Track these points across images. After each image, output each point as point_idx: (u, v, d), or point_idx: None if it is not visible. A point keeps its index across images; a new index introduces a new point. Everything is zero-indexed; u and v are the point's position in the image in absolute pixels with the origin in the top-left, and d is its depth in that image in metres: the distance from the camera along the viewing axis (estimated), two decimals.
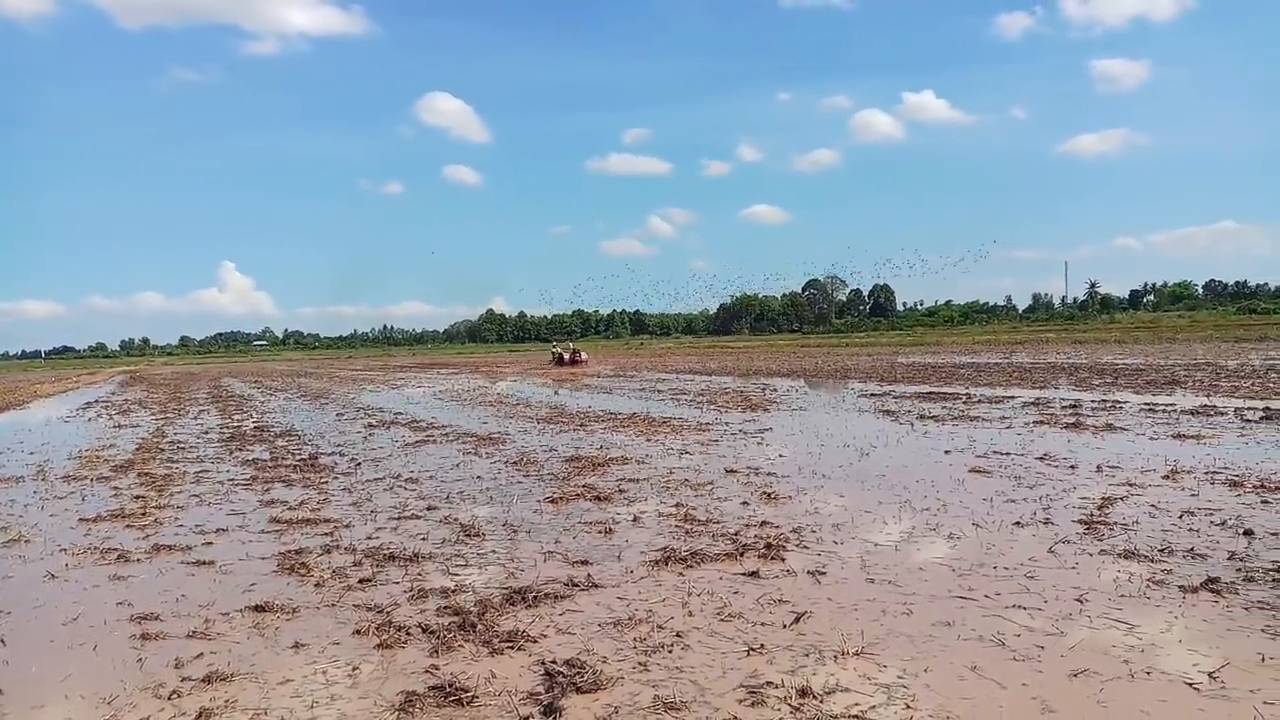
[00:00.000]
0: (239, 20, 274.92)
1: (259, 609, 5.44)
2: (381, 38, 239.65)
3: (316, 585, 5.93)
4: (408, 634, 4.85)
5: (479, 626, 4.87)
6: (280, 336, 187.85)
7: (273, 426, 18.34)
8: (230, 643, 4.90)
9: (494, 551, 6.64)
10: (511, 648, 4.56)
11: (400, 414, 20.31)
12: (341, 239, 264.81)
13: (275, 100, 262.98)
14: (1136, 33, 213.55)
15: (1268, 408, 14.12)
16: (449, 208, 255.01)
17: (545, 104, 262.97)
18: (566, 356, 46.07)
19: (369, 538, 7.27)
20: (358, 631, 4.95)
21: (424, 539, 7.14)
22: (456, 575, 6.01)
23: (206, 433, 17.44)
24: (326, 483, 10.24)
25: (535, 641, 4.65)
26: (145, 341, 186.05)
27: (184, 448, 14.64)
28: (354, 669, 4.42)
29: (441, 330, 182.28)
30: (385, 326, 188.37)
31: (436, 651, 4.57)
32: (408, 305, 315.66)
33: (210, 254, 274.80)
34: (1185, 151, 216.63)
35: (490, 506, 8.38)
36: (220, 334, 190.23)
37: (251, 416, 21.42)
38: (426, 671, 4.31)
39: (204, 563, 6.71)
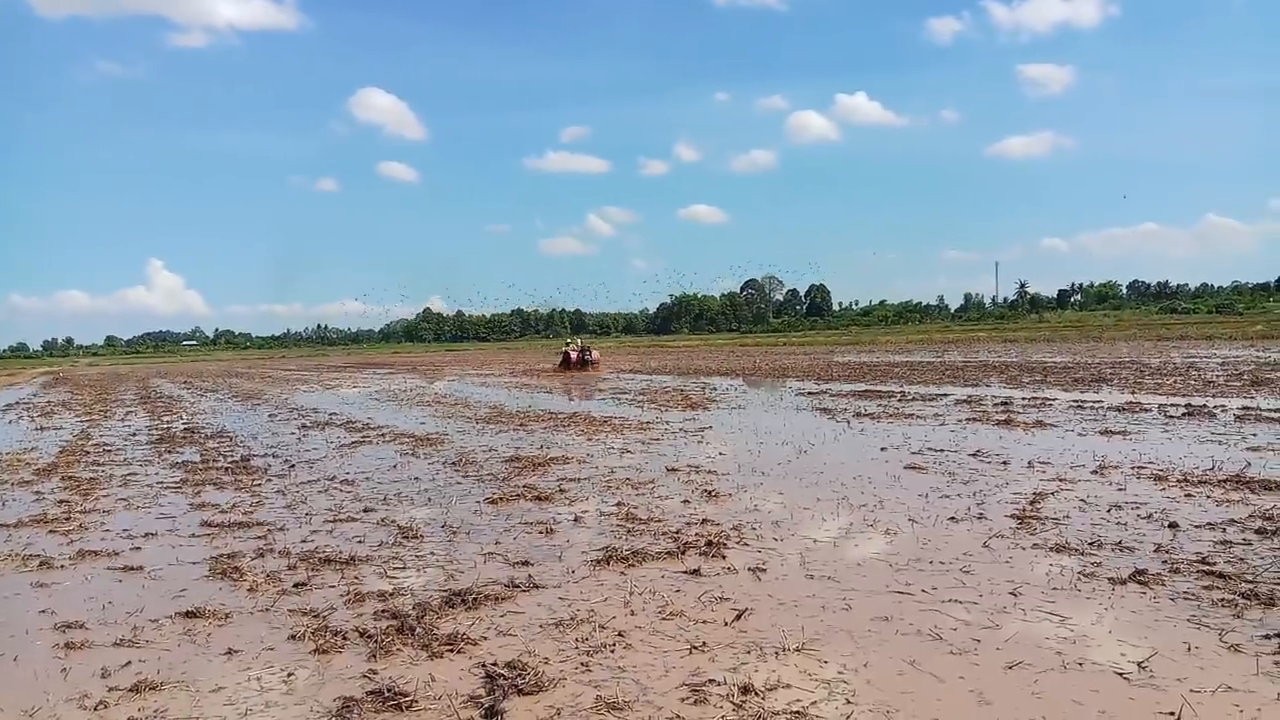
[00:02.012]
0: (165, 12, 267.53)
1: (190, 615, 5.29)
2: (314, 32, 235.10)
3: (250, 590, 5.80)
4: (345, 638, 4.76)
5: (418, 630, 4.80)
6: (211, 336, 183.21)
7: (204, 428, 17.91)
8: (160, 650, 4.76)
9: (433, 553, 6.56)
10: (451, 650, 4.50)
11: (335, 414, 19.99)
12: (274, 236, 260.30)
13: (204, 94, 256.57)
14: (1062, 38, 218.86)
15: (1189, 404, 14.59)
16: (384, 205, 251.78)
17: (482, 101, 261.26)
18: (574, 356, 38.04)
19: (304, 541, 7.13)
20: (293, 637, 4.84)
21: (361, 541, 7.03)
22: (394, 578, 5.92)
23: (134, 435, 16.96)
24: (259, 485, 10.03)
25: (475, 644, 4.59)
26: (69, 341, 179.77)
27: (111, 450, 14.21)
28: (289, 675, 4.32)
29: (378, 330, 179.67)
30: (320, 326, 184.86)
31: (374, 656, 4.49)
32: (343, 304, 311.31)
33: (137, 251, 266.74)
34: (1109, 155, 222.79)
35: (429, 508, 8.28)
36: (149, 333, 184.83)
37: (181, 418, 20.89)
38: (364, 676, 4.24)
39: (132, 568, 6.52)
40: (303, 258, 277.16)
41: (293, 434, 15.89)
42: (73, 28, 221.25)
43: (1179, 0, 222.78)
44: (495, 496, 8.58)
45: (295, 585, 5.84)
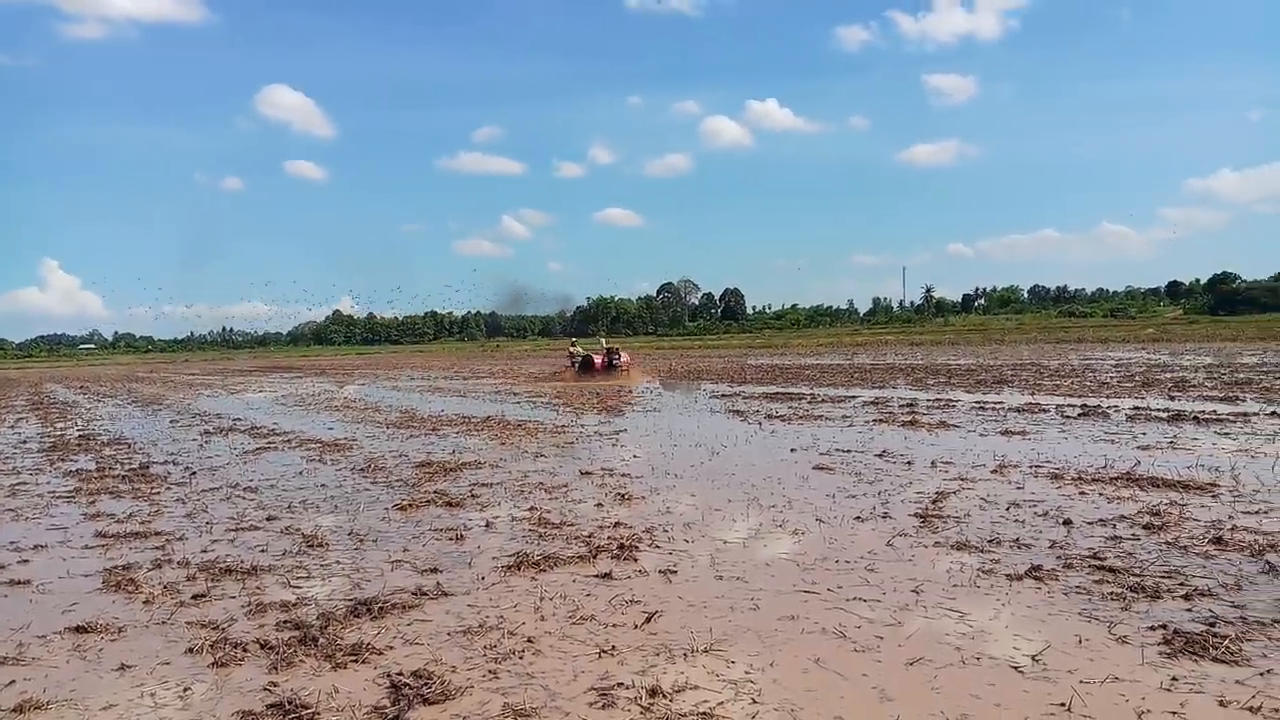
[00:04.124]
0: (56, 1, 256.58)
1: (80, 630, 5.08)
2: (218, 26, 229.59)
3: (146, 602, 5.59)
4: (245, 650, 4.62)
5: (321, 640, 4.69)
6: (110, 339, 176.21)
7: (100, 435, 17.24)
8: (47, 668, 4.55)
9: (338, 562, 6.42)
10: (356, 661, 4.41)
11: (240, 420, 19.44)
12: (177, 236, 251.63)
13: (100, 88, 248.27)
14: (965, 49, 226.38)
15: (1085, 404, 15.17)
16: (293, 204, 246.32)
17: (392, 100, 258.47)
18: (598, 360, 30.99)
19: (204, 551, 6.91)
20: (190, 650, 4.68)
21: (263, 551, 6.84)
22: (298, 588, 5.78)
23: (25, 442, 16.23)
24: (158, 493, 9.69)
25: (381, 653, 4.51)
26: None
27: None
28: (185, 690, 4.17)
29: (286, 332, 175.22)
30: (225, 328, 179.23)
31: (276, 668, 4.37)
32: (249, 305, 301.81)
33: (29, 251, 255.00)
34: (1010, 163, 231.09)
35: (335, 515, 8.11)
36: (42, 336, 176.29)
37: (76, 424, 20.08)
38: (264, 689, 4.12)
39: (19, 582, 6.23)
40: (208, 258, 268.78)
41: (194, 440, 15.40)
42: None
43: (1074, 15, 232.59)
44: (404, 503, 8.45)
45: (194, 597, 5.65)
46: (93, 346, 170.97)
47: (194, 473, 11.20)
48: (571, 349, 34.71)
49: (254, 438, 15.32)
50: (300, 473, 10.87)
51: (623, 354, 31.46)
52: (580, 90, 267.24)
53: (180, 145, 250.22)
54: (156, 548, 7.09)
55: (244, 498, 9.21)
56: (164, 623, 5.18)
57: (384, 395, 27.33)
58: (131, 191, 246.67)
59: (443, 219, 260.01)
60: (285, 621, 5.06)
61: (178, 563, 6.55)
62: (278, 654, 4.52)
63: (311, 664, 4.41)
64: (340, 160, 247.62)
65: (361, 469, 10.86)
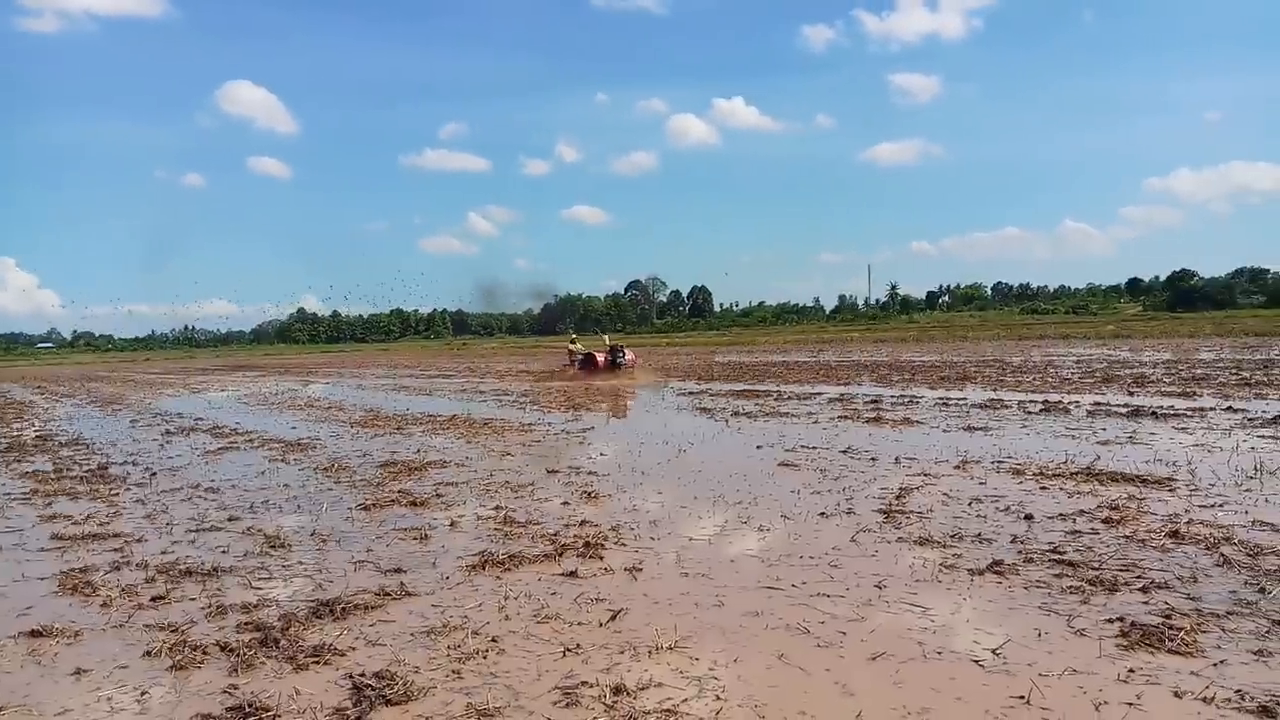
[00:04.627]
0: None
1: (35, 634, 4.99)
2: (179, 20, 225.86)
3: (103, 605, 5.50)
4: (204, 653, 4.56)
5: (282, 642, 4.64)
6: (69, 338, 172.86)
7: (57, 435, 16.96)
8: (0, 673, 4.47)
9: (301, 563, 6.36)
10: (317, 662, 4.37)
11: (201, 419, 19.20)
12: (138, 233, 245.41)
13: (57, 83, 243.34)
14: (929, 49, 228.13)
15: (1046, 400, 15.35)
16: (255, 201, 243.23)
17: (356, 96, 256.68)
18: (602, 357, 28.83)
19: (164, 552, 6.82)
20: (148, 653, 4.62)
21: (225, 552, 6.76)
22: (259, 589, 5.71)
23: None
24: (117, 494, 9.54)
25: (343, 655, 4.47)
26: None
27: None
28: (143, 693, 4.11)
29: (249, 331, 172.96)
30: (187, 327, 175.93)
31: (236, 670, 4.32)
32: (211, 304, 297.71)
33: None
34: (973, 161, 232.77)
35: (298, 515, 8.03)
36: None
37: (34, 424, 19.73)
38: (224, 692, 4.07)
39: None
40: (169, 256, 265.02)
41: (155, 440, 15.18)
42: None
43: (1036, 15, 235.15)
44: (368, 503, 8.38)
45: (153, 599, 5.57)
46: (51, 345, 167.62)
47: (154, 473, 11.04)
48: (571, 346, 32.81)
49: (216, 437, 15.13)
50: (263, 473, 10.75)
51: (627, 352, 29.14)
52: (546, 87, 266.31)
53: (140, 141, 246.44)
54: (115, 549, 6.98)
55: (205, 498, 9.09)
56: (122, 625, 5.11)
57: (348, 394, 27.11)
58: (90, 188, 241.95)
59: (408, 216, 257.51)
60: (246, 623, 5.00)
61: (136, 564, 6.45)
62: (238, 656, 4.47)
63: (273, 666, 4.36)
64: (304, 157, 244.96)
65: (325, 468, 10.77)
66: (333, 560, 6.38)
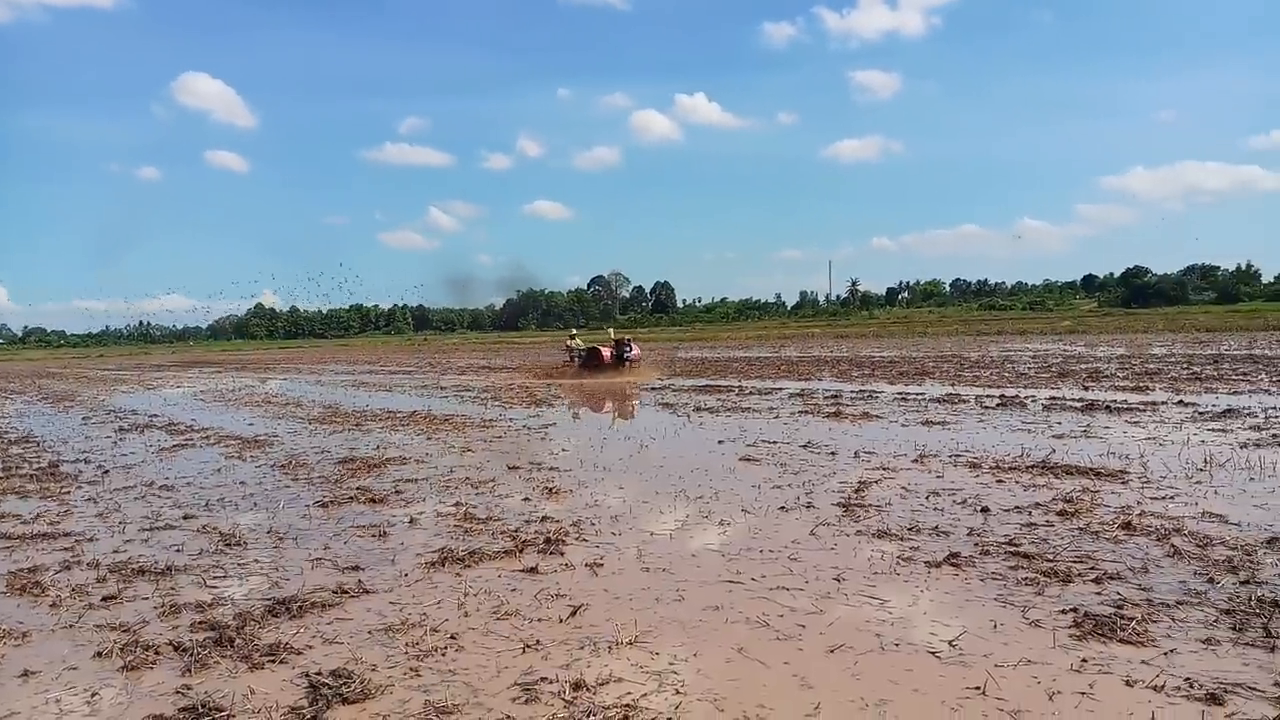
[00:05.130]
0: None
1: None
2: (132, 11, 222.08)
3: (52, 605, 5.39)
4: (157, 653, 4.49)
5: (237, 641, 4.57)
6: (19, 334, 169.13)
7: (7, 432, 16.61)
8: None
9: (257, 561, 6.27)
10: (273, 661, 4.31)
11: (156, 416, 18.90)
12: (91, 227, 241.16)
13: (8, 75, 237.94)
14: (889, 46, 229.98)
15: (1003, 395, 15.55)
16: (213, 195, 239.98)
17: (316, 89, 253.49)
18: (607, 352, 26.72)
19: (116, 551, 6.70)
20: (99, 654, 4.53)
21: (179, 550, 6.65)
22: (214, 588, 5.63)
23: None
24: (69, 493, 9.36)
25: (299, 653, 4.41)
26: None
27: None
28: (93, 695, 4.04)
29: (206, 326, 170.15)
30: (142, 323, 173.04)
31: (189, 670, 4.25)
32: (167, 299, 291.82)
33: None
34: (933, 159, 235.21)
35: (254, 513, 7.92)
36: None
37: None
38: (177, 692, 4.00)
39: None
40: (123, 251, 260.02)
41: (108, 438, 14.91)
42: None
43: (995, 13, 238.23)
44: (326, 500, 8.29)
45: (104, 599, 5.47)
46: (1, 342, 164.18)
47: (107, 471, 10.84)
48: (569, 342, 30.91)
49: (171, 434, 14.90)
50: (219, 470, 10.60)
51: (633, 347, 27.01)
52: (508, 81, 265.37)
53: (94, 134, 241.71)
54: (65, 549, 6.85)
55: (159, 496, 8.94)
56: (71, 626, 5.01)
57: (307, 390, 26.82)
58: (42, 183, 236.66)
59: (369, 211, 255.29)
60: (200, 622, 4.93)
61: (88, 564, 6.33)
62: (192, 656, 4.40)
63: (227, 665, 4.29)
64: (262, 150, 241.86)
65: (282, 465, 10.63)
66: (289, 558, 6.30)
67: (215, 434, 14.65)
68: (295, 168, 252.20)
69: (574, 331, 34.39)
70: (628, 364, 26.28)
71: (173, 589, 5.63)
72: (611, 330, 31.96)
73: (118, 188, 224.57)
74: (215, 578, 5.87)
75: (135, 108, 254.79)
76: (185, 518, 7.81)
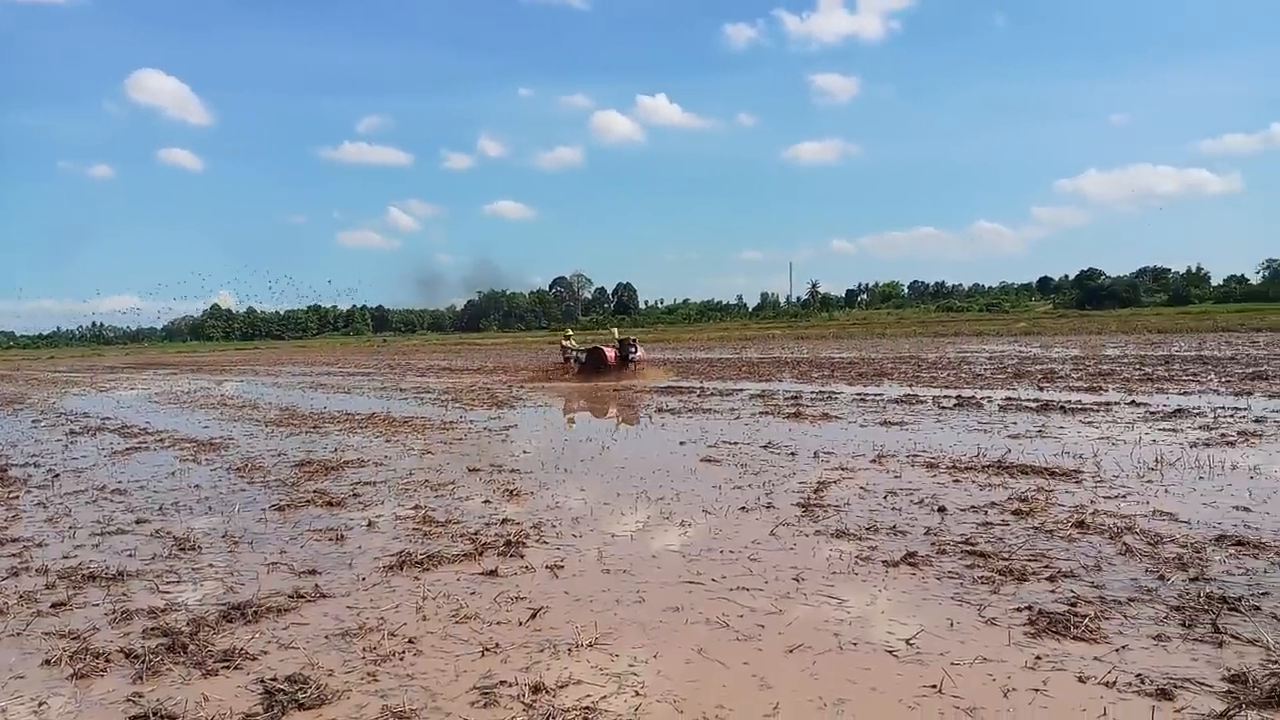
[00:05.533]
0: None
1: None
2: (84, 6, 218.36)
3: None
4: (108, 660, 4.40)
5: (191, 647, 4.49)
6: None
7: None
8: None
9: (211, 565, 6.17)
10: (227, 667, 4.24)
11: (109, 419, 18.55)
12: (40, 226, 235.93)
13: None
14: (848, 50, 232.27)
15: (960, 395, 15.74)
16: (167, 194, 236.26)
17: (273, 87, 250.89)
18: (610, 354, 25.07)
19: (66, 557, 6.56)
20: (48, 662, 4.43)
21: (131, 555, 6.53)
22: (167, 593, 5.53)
23: None
24: (17, 497, 9.15)
25: (255, 659, 4.35)
26: None
27: None
28: (41, 704, 3.94)
29: (160, 328, 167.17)
30: (95, 324, 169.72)
31: (141, 677, 4.17)
32: (120, 299, 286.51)
33: None
34: (891, 161, 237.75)
35: (209, 517, 7.79)
36: None
37: None
38: (128, 700, 3.93)
39: None
40: (75, 250, 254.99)
41: (59, 441, 14.60)
42: None
43: (953, 18, 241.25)
44: (283, 503, 8.18)
45: (53, 605, 5.35)
46: None
47: (57, 475, 10.62)
48: (565, 342, 28.63)
49: (124, 437, 14.63)
50: (173, 473, 10.42)
51: (638, 348, 25.36)
52: (468, 80, 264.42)
53: (44, 132, 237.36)
54: (13, 555, 6.69)
55: (111, 500, 8.77)
56: (19, 634, 4.89)
57: (264, 392, 26.48)
58: None
59: (327, 210, 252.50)
60: (153, 629, 4.84)
61: (36, 570, 6.20)
62: (143, 663, 4.32)
63: (180, 672, 4.22)
64: (218, 148, 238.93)
65: (238, 469, 10.48)
66: (245, 562, 6.21)
67: (169, 437, 14.41)
68: (252, 166, 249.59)
69: (569, 331, 32.59)
70: (633, 366, 24.88)
71: (124, 595, 5.53)
72: (615, 330, 30.21)
73: (69, 186, 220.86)
74: (168, 583, 5.77)
75: (87, 104, 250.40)
76: (138, 522, 7.67)
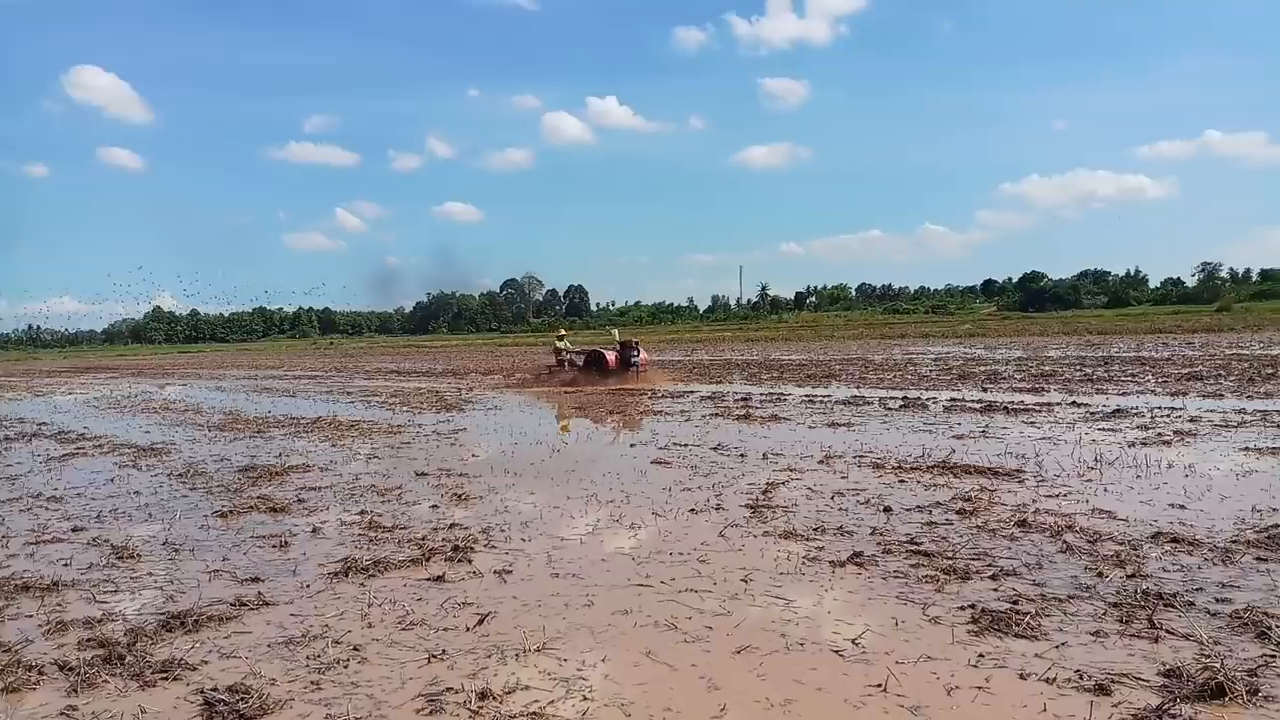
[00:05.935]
0: None
1: None
2: (20, 0, 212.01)
3: None
4: (41, 673, 4.28)
5: (129, 658, 4.39)
6: None
7: None
8: None
9: (151, 574, 6.03)
10: (166, 678, 4.15)
11: (45, 424, 18.06)
12: None
13: None
14: (798, 54, 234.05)
15: (906, 397, 15.95)
16: (106, 193, 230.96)
17: (216, 85, 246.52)
18: (612, 357, 23.15)
19: None
20: None
21: (67, 564, 6.36)
22: (104, 603, 5.40)
23: None
24: None
25: (195, 669, 4.26)
26: None
27: None
28: None
29: (100, 330, 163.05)
30: (31, 326, 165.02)
31: (75, 690, 4.06)
32: (58, 302, 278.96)
33: None
34: (839, 165, 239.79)
35: (149, 524, 7.62)
36: None
37: None
38: (62, 714, 3.82)
39: None
40: (9, 251, 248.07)
41: None
42: None
43: (899, 23, 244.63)
44: (225, 509, 8.02)
45: None
46: None
47: None
48: (559, 344, 26.14)
49: (61, 443, 14.26)
50: (112, 480, 10.18)
51: (640, 351, 23.49)
52: (416, 80, 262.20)
53: None
54: None
55: (46, 508, 8.54)
56: None
57: (207, 396, 25.99)
58: None
59: (272, 211, 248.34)
60: (89, 640, 4.72)
61: None
62: (78, 675, 4.21)
63: (117, 684, 4.12)
64: (160, 148, 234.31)
65: (180, 474, 10.27)
66: (186, 570, 6.09)
67: (109, 442, 14.07)
68: (195, 166, 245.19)
69: (562, 331, 29.31)
70: (634, 370, 22.99)
71: (59, 605, 5.39)
72: (616, 331, 27.95)
73: (3, 185, 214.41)
74: (106, 593, 5.63)
75: (24, 101, 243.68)
76: (74, 530, 7.48)
